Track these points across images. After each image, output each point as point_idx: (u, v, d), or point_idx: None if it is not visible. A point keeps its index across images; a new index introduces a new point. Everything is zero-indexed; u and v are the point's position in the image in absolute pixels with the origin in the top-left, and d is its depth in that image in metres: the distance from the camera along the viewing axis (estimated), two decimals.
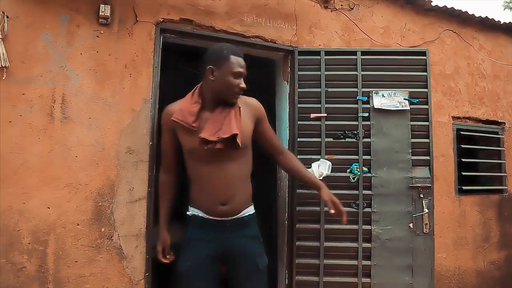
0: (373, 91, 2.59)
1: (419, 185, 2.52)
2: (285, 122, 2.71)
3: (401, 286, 2.47)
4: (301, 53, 2.68)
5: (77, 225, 2.12)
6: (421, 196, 2.52)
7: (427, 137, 2.59)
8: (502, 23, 3.62)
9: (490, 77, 3.61)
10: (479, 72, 3.55)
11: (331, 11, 2.93)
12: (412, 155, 2.56)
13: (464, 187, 3.34)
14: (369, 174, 2.53)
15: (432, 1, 3.21)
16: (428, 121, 2.60)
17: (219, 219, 1.83)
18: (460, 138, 3.40)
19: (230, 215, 1.84)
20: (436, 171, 3.17)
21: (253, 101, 2.00)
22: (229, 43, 2.52)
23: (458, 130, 3.37)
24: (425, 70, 2.65)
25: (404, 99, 2.57)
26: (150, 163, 2.29)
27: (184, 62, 3.51)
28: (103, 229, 2.17)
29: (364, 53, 2.66)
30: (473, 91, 3.49)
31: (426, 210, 2.51)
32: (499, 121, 3.62)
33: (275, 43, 2.71)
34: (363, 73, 2.61)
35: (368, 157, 2.55)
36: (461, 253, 3.27)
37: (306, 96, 2.62)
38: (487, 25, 3.62)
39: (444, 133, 3.29)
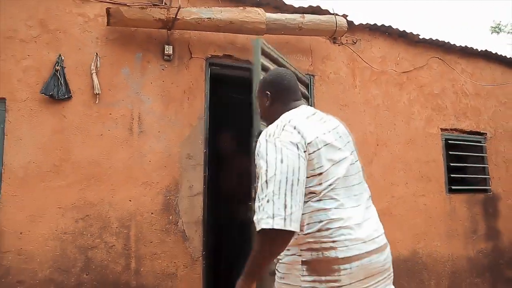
0: None
1: None
2: None
3: None
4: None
5: (151, 214, 2.73)
6: None
7: None
8: (480, 50, 4.30)
9: (472, 95, 4.26)
10: (462, 91, 4.20)
11: (338, 45, 3.61)
12: None
13: (453, 187, 3.94)
14: None
15: (420, 35, 3.89)
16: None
17: None
18: (449, 146, 4.03)
19: None
20: (429, 173, 3.80)
21: None
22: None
23: (446, 139, 4.00)
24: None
25: None
26: (204, 166, 2.91)
27: (225, 89, 4.09)
28: (170, 217, 2.77)
29: None
30: (458, 107, 4.14)
31: None
32: (481, 132, 4.25)
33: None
34: None
35: None
36: (453, 242, 3.84)
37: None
38: (467, 52, 4.29)
39: (435, 142, 3.91)
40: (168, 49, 2.87)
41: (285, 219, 1.20)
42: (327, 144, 1.37)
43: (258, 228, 1.21)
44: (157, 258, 2.70)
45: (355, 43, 3.65)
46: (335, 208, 1.34)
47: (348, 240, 1.32)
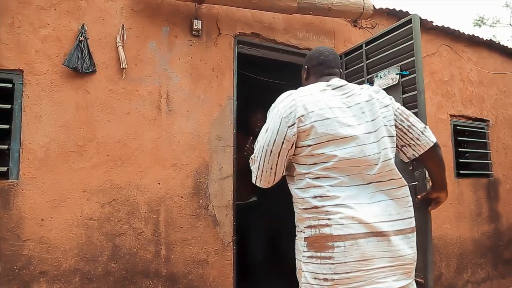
0: (374, 75, 2.62)
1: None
2: None
3: None
4: None
5: (181, 197, 2.50)
6: (411, 168, 2.24)
7: (416, 107, 2.27)
8: (484, 39, 4.29)
9: (477, 83, 4.26)
10: (468, 79, 4.19)
11: (359, 29, 3.47)
12: None
13: (461, 171, 3.94)
14: None
15: (433, 22, 3.82)
16: (416, 90, 2.30)
17: None
18: (457, 132, 4.01)
19: None
20: None
21: None
22: (286, 53, 3.02)
23: (455, 125, 3.98)
24: (412, 39, 2.38)
25: (396, 74, 2.42)
26: (234, 148, 2.70)
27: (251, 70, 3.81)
28: (201, 201, 2.56)
29: (367, 43, 2.77)
30: (465, 94, 4.12)
31: (415, 182, 2.22)
32: (484, 119, 4.27)
33: None
34: (367, 62, 2.73)
35: None
36: (461, 225, 3.84)
37: None
38: (473, 41, 4.27)
39: (444, 128, 3.88)
40: (197, 24, 2.61)
41: (256, 177, 1.47)
42: (327, 118, 1.35)
43: None
44: (187, 244, 2.49)
45: (374, 27, 3.52)
46: (331, 185, 1.34)
47: (344, 218, 1.31)
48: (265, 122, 1.45)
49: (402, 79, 2.40)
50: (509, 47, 4.53)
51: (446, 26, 3.93)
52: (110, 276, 2.27)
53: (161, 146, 2.47)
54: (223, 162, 2.64)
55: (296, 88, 1.50)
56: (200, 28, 2.63)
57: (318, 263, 1.33)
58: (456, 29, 4.01)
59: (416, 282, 2.11)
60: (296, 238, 1.46)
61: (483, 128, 4.25)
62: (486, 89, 4.33)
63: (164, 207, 2.44)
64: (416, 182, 2.21)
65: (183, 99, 2.57)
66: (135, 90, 2.44)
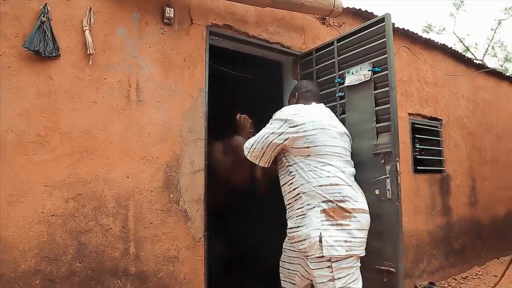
0: (346, 71, 2.71)
1: (382, 151, 2.39)
2: None
3: (371, 252, 2.21)
4: (303, 55, 3.28)
5: (151, 192, 2.44)
6: (383, 161, 2.39)
7: (388, 102, 2.41)
8: (439, 44, 4.63)
9: (432, 84, 4.58)
10: (425, 80, 4.50)
11: (327, 26, 3.59)
12: (376, 123, 2.47)
13: (418, 167, 4.23)
14: None
15: (395, 24, 4.06)
16: (388, 86, 2.41)
17: None
18: (414, 130, 4.30)
19: None
20: (401, 155, 4.01)
21: None
22: (257, 47, 3.07)
23: (413, 123, 4.27)
24: (384, 37, 2.50)
25: (368, 70, 2.52)
26: (205, 141, 2.69)
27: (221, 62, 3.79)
28: (171, 196, 2.51)
29: (338, 40, 2.88)
30: (421, 94, 4.43)
31: (387, 175, 2.36)
32: (438, 118, 4.61)
33: (290, 49, 3.28)
34: (338, 58, 2.83)
35: None
36: (418, 218, 4.13)
37: None
38: (429, 44, 4.59)
39: (404, 125, 4.13)
40: (169, 12, 2.56)
41: (248, 152, 2.34)
42: (323, 127, 2.18)
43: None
44: (157, 240, 2.43)
45: (341, 25, 3.68)
46: (334, 169, 2.12)
47: (353, 196, 2.09)
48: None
49: (374, 76, 2.52)
50: (459, 52, 4.93)
51: (406, 28, 4.19)
52: (75, 276, 2.16)
53: (130, 138, 2.40)
54: (194, 156, 2.62)
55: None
56: (172, 16, 2.58)
57: (338, 229, 1.99)
58: (415, 32, 4.29)
59: (388, 271, 2.25)
60: (306, 214, 2.10)
61: (437, 127, 4.59)
62: (439, 90, 4.67)
63: (133, 202, 2.37)
64: (388, 175, 2.35)
65: (154, 89, 2.51)
66: (103, 78, 2.35)
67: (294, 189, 2.17)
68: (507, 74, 6.29)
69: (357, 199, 2.10)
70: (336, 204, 2.01)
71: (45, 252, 2.09)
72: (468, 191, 4.87)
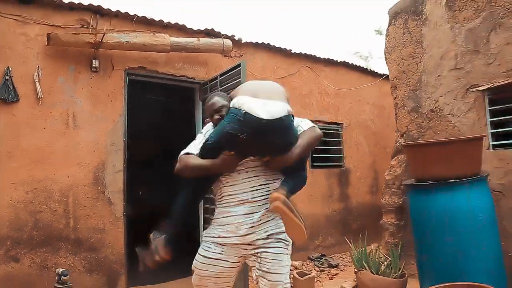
0: None
1: None
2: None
3: None
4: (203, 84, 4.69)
5: (85, 186, 3.88)
6: None
7: None
8: (339, 61, 5.99)
9: (333, 95, 5.95)
10: (326, 92, 5.87)
11: (228, 58, 4.98)
12: None
13: (315, 164, 5.62)
14: None
15: (292, 50, 5.42)
16: None
17: None
18: None
19: None
20: None
21: None
22: (168, 80, 4.47)
23: None
24: (240, 77, 3.76)
25: None
26: (124, 150, 4.11)
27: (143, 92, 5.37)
28: (99, 188, 3.95)
29: (220, 75, 4.21)
30: (321, 104, 5.80)
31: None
32: (339, 122, 5.99)
33: (194, 79, 4.67)
34: (221, 88, 4.11)
35: None
36: (312, 204, 5.53)
37: None
38: (331, 62, 5.95)
39: None
40: (95, 63, 3.98)
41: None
42: None
43: None
44: (89, 218, 3.88)
45: (241, 56, 5.05)
46: None
47: None
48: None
49: None
50: (362, 66, 6.29)
51: (304, 52, 5.55)
52: (33, 240, 3.61)
53: (69, 151, 3.83)
54: (115, 161, 4.05)
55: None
56: (98, 65, 3.99)
57: None
58: (313, 54, 5.65)
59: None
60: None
61: (338, 130, 5.97)
62: (341, 99, 6.04)
63: (72, 193, 3.81)
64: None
65: (86, 117, 3.94)
66: (49, 112, 3.78)
67: None
68: None
69: None
70: None
71: (13, 225, 3.54)
72: (370, 182, 6.25)
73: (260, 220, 1.95)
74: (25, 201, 3.61)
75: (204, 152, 1.92)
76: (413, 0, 4.59)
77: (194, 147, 1.99)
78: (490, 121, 3.81)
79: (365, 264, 3.85)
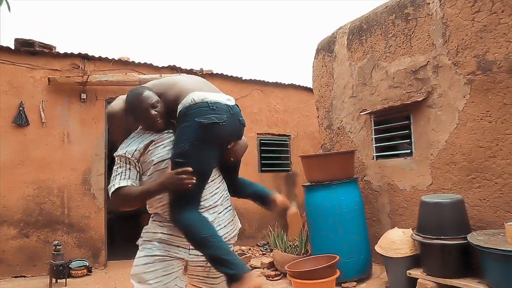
0: None
1: None
2: None
3: None
4: None
5: (76, 185, 5.55)
6: None
7: None
8: (287, 84, 7.51)
9: (282, 112, 7.48)
10: (275, 109, 7.40)
11: None
12: None
13: (263, 169, 7.16)
14: None
15: (243, 77, 6.97)
16: None
17: None
18: (262, 143, 7.21)
19: None
20: (247, 161, 6.98)
21: None
22: None
23: (260, 140, 7.19)
24: None
25: None
26: (105, 159, 5.76)
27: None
28: (86, 186, 5.61)
29: None
30: (271, 120, 7.34)
31: None
32: (287, 134, 7.51)
33: None
34: None
35: None
36: None
37: None
38: (280, 85, 7.48)
39: (252, 142, 7.06)
40: (83, 96, 5.64)
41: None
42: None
43: None
44: (79, 208, 5.54)
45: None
46: None
47: None
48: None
49: None
50: (307, 86, 7.78)
51: (254, 78, 7.10)
52: (38, 223, 5.29)
53: (65, 160, 5.51)
54: (98, 167, 5.71)
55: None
56: (85, 97, 5.66)
57: None
58: (263, 79, 7.20)
59: None
60: None
61: (286, 141, 7.50)
62: (290, 115, 7.57)
63: (66, 189, 5.49)
64: None
65: (77, 135, 5.61)
66: (50, 132, 5.46)
67: None
68: None
69: None
70: None
71: (24, 211, 5.23)
72: None
73: None
74: (33, 195, 5.30)
75: (186, 158, 1.66)
76: (328, 40, 6.08)
77: (124, 180, 1.72)
78: (375, 137, 5.28)
79: (278, 245, 5.37)
